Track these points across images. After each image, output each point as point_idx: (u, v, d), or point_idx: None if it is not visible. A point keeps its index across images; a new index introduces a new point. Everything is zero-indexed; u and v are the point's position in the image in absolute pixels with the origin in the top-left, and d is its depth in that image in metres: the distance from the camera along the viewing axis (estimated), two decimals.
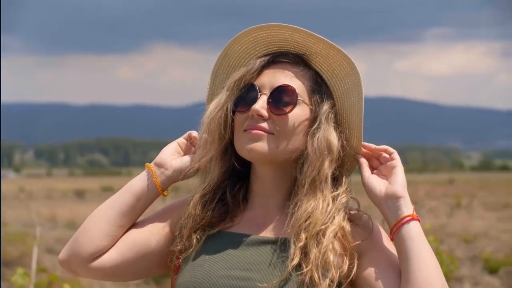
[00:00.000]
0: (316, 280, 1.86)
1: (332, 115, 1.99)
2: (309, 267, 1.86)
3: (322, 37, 1.95)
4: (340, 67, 1.99)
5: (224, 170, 2.03)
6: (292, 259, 1.88)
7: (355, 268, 1.90)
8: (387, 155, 2.00)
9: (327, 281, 1.87)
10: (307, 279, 1.86)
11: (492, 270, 11.35)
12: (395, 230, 1.91)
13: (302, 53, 2.02)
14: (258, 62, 1.98)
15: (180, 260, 2.01)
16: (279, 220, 1.98)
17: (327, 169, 1.94)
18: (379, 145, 2.00)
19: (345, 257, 1.92)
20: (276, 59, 2.02)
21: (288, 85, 1.95)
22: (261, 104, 1.93)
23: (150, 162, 2.07)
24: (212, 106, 1.99)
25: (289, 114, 1.95)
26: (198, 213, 2.00)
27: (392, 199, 1.94)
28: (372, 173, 2.00)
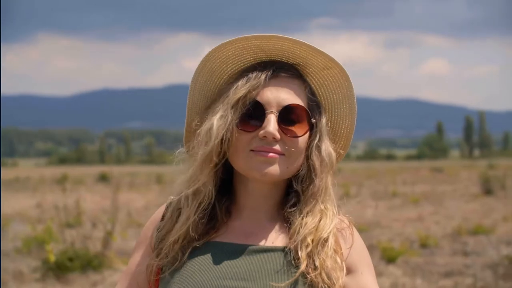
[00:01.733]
0: (325, 284, 1.86)
1: (328, 127, 1.98)
2: (318, 271, 1.86)
3: (321, 49, 1.91)
4: (332, 78, 1.97)
5: (215, 185, 1.97)
6: (299, 267, 1.86)
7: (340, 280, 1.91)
8: None
9: (336, 286, 1.87)
10: (316, 283, 1.86)
11: (390, 259, 11.51)
12: None
13: (296, 63, 1.97)
14: (263, 77, 1.91)
15: (162, 275, 1.94)
16: (269, 229, 1.96)
17: (330, 181, 1.96)
18: None
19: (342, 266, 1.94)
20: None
21: (299, 105, 1.91)
22: (274, 126, 1.87)
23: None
24: (217, 123, 1.89)
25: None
26: (185, 228, 1.93)
27: None
28: None
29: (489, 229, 15.88)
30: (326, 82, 1.98)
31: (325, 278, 1.86)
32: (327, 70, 1.96)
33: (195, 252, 1.92)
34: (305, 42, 1.90)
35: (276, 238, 1.95)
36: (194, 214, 1.93)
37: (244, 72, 1.94)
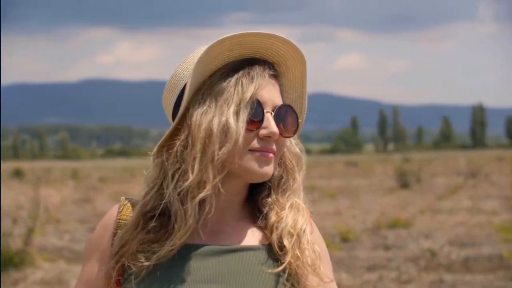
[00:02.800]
0: (308, 272, 1.87)
1: None
2: (300, 261, 1.85)
3: (301, 50, 1.92)
4: (294, 78, 1.98)
5: None
6: (278, 262, 1.86)
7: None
8: None
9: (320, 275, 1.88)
10: (300, 274, 1.86)
11: None
12: None
13: (274, 61, 1.95)
14: (266, 75, 1.89)
15: (128, 285, 1.85)
16: (237, 227, 1.92)
17: (302, 177, 1.96)
18: None
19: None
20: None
21: (290, 105, 1.93)
22: (274, 125, 1.85)
23: None
24: (233, 121, 1.81)
25: None
26: (145, 234, 1.85)
27: None
28: None
29: (407, 223, 16.13)
30: (291, 81, 1.99)
31: (309, 268, 1.86)
32: (292, 71, 1.97)
33: (162, 257, 1.84)
34: (293, 42, 1.90)
35: (246, 236, 1.92)
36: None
37: (233, 68, 1.89)
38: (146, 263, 1.81)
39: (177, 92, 1.91)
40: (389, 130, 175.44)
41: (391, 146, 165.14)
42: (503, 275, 10.27)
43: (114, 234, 1.91)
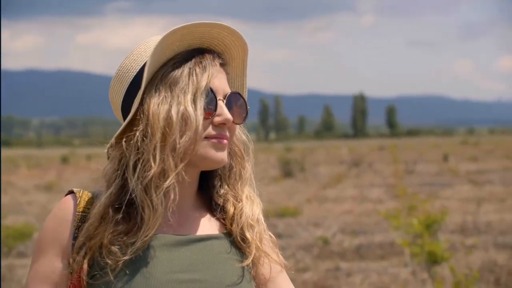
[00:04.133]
0: (269, 260, 1.96)
1: None
2: (261, 250, 1.94)
3: (245, 40, 1.97)
4: (237, 66, 2.03)
5: None
6: (243, 251, 1.94)
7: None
8: None
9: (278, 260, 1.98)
10: (261, 262, 1.95)
11: None
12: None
13: (219, 50, 1.99)
14: (218, 64, 1.93)
15: (101, 280, 1.82)
16: (196, 217, 1.96)
17: (251, 165, 2.03)
18: None
19: None
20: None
21: (239, 93, 1.98)
22: (227, 112, 1.90)
23: None
24: (191, 109, 1.84)
25: None
26: (115, 226, 1.83)
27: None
28: None
29: (296, 211, 16.07)
30: (233, 70, 2.03)
31: (269, 256, 1.96)
32: (236, 60, 2.02)
33: (138, 249, 1.83)
34: (239, 32, 1.94)
35: (206, 225, 1.96)
36: (112, 209, 1.84)
37: (184, 58, 1.91)
38: (125, 257, 1.80)
39: (126, 84, 1.93)
40: (270, 120, 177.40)
41: (272, 135, 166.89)
42: (396, 262, 10.30)
43: (76, 227, 1.88)
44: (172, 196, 1.82)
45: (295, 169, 30.34)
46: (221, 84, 1.92)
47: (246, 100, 1.99)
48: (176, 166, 1.82)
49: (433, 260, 9.27)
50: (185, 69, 1.88)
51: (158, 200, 1.81)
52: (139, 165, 1.82)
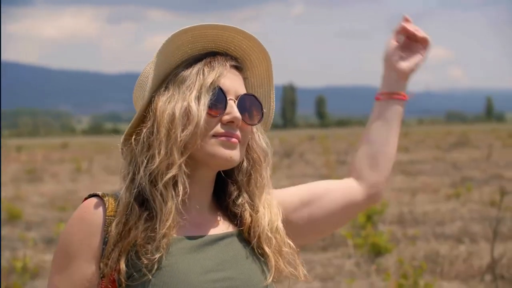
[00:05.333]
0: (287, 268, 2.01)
1: None
2: (280, 260, 1.98)
3: (263, 46, 2.00)
4: (260, 74, 2.07)
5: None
6: (261, 252, 1.98)
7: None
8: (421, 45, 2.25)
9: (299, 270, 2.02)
10: (281, 269, 1.99)
11: None
12: (393, 97, 2.24)
13: (238, 56, 2.03)
14: (228, 64, 1.97)
15: (132, 284, 1.84)
16: (214, 219, 2.01)
17: (269, 170, 2.05)
18: None
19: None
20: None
21: (253, 95, 2.01)
22: (237, 111, 1.93)
23: None
24: (194, 105, 1.89)
25: None
26: (144, 223, 1.87)
27: (408, 76, 2.24)
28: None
29: None
30: (256, 78, 2.07)
31: (287, 266, 1.99)
32: (258, 67, 2.05)
33: (166, 246, 1.86)
34: (255, 37, 1.97)
35: (223, 224, 2.00)
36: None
37: (196, 59, 1.97)
38: (158, 255, 1.82)
39: (146, 89, 1.96)
40: None
41: None
42: (340, 254, 10.27)
43: (106, 232, 1.88)
44: (181, 189, 1.87)
45: None
46: (234, 85, 1.96)
47: (271, 109, 2.09)
48: (178, 159, 1.87)
49: (376, 251, 9.26)
50: (195, 68, 1.94)
51: (167, 192, 1.86)
52: (145, 159, 1.88)
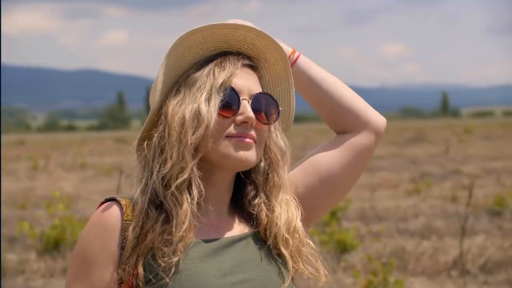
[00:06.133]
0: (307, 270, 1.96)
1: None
2: (300, 262, 1.94)
3: (280, 44, 1.97)
4: (278, 72, 2.03)
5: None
6: (279, 253, 1.93)
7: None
8: None
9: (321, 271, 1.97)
10: (300, 272, 1.95)
11: None
12: (292, 63, 2.07)
13: (252, 55, 2.00)
14: (239, 64, 1.93)
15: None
16: (232, 221, 1.98)
17: (287, 170, 2.01)
18: None
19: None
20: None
21: (268, 94, 1.98)
22: (250, 111, 1.90)
23: None
24: (205, 107, 1.86)
25: None
26: (161, 226, 1.85)
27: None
28: None
29: None
30: (273, 76, 2.03)
31: (307, 267, 1.95)
32: (274, 66, 2.01)
33: (184, 248, 1.85)
34: (269, 35, 1.94)
35: (240, 225, 1.98)
36: (156, 212, 1.85)
37: (207, 60, 1.94)
38: (176, 258, 1.81)
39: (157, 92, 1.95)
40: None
41: None
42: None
43: (124, 236, 1.86)
44: (195, 192, 1.85)
45: None
46: (247, 84, 1.92)
47: (291, 108, 2.04)
48: (190, 162, 1.84)
49: (342, 248, 9.26)
50: (206, 69, 1.91)
51: (181, 195, 1.84)
52: (158, 164, 1.85)
